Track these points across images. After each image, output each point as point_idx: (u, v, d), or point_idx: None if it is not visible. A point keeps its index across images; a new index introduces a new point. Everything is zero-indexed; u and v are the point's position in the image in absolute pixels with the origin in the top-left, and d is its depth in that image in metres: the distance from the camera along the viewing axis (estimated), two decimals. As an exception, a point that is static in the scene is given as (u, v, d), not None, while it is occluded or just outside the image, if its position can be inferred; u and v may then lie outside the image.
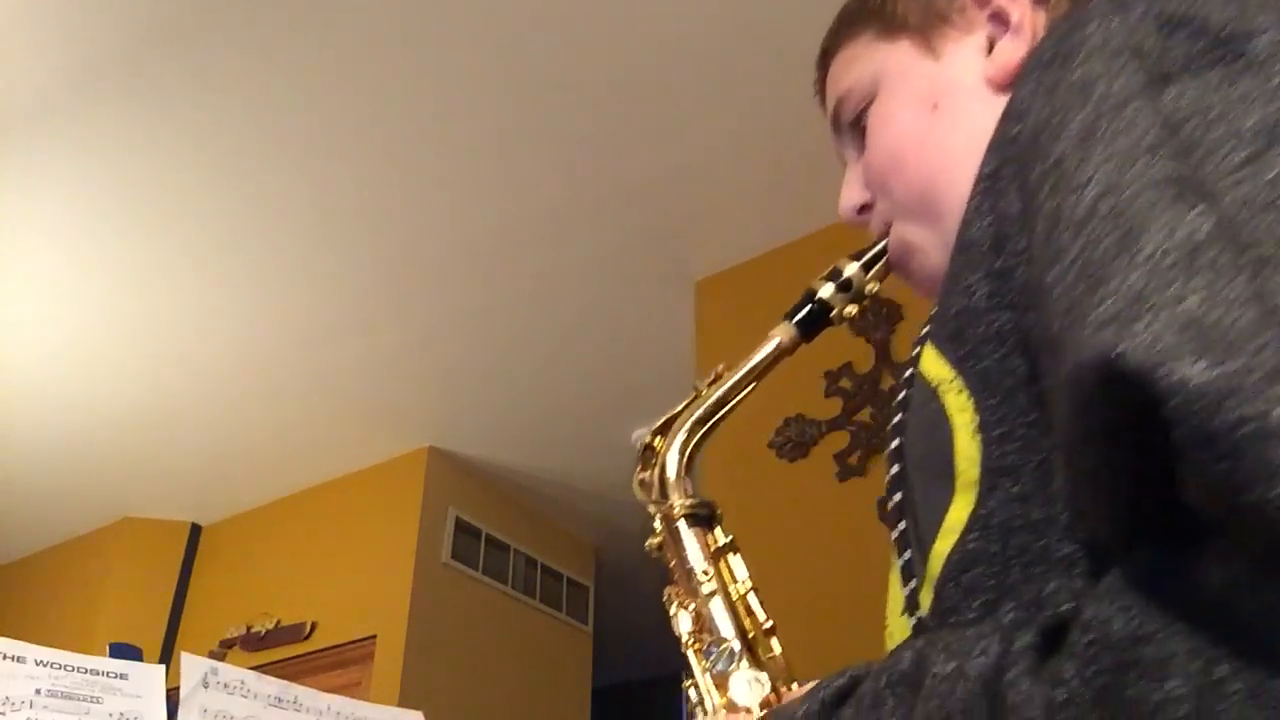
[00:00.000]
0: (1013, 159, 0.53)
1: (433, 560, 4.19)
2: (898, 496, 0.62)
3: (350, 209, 3.22)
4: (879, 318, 2.97)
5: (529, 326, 3.72)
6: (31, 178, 3.09)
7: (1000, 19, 0.70)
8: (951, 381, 0.56)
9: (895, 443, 0.64)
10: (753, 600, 0.74)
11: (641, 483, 0.86)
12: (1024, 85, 0.54)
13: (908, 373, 0.63)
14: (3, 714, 1.12)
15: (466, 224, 3.28)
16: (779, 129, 2.92)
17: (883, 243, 0.78)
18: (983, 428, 0.53)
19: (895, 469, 0.63)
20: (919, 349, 0.62)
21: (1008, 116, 0.55)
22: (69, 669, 1.19)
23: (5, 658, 1.15)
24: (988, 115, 0.64)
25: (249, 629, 4.40)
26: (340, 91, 2.83)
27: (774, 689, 0.68)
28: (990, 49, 0.70)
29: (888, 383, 2.89)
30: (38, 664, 1.18)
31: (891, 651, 0.49)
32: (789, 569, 2.75)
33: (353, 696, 1.48)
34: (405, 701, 3.64)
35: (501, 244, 3.35)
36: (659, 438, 0.86)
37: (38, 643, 1.20)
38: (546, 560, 4.78)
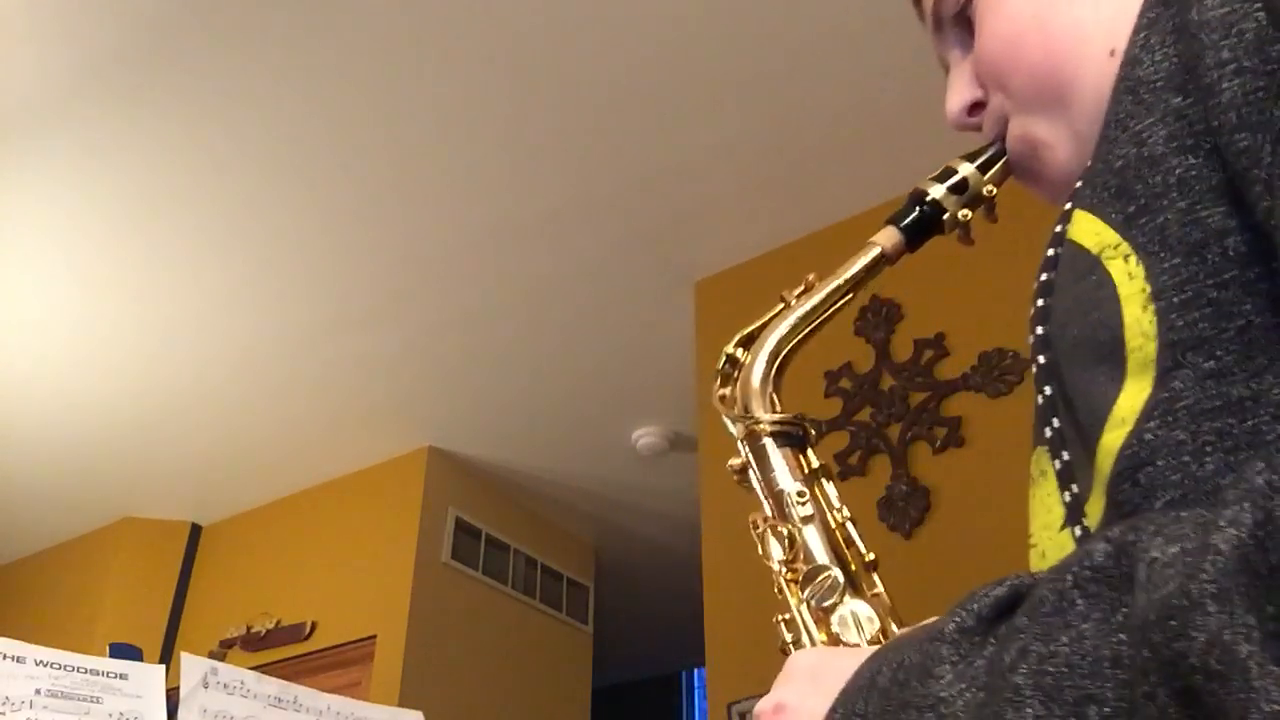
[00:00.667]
0: None
1: (433, 560, 4.19)
2: (1048, 390, 0.53)
3: (350, 209, 3.22)
4: (879, 318, 2.97)
5: (529, 326, 3.72)
6: (31, 178, 3.09)
7: None
8: (1118, 246, 0.49)
9: (1039, 330, 0.54)
10: (852, 530, 0.67)
11: (722, 398, 0.77)
12: None
13: (1050, 251, 0.56)
14: (3, 714, 1.12)
15: (466, 224, 3.28)
16: (779, 129, 2.93)
17: (999, 143, 0.71)
18: (1159, 294, 0.46)
19: (1042, 360, 0.54)
20: (1064, 222, 0.55)
21: None
22: (69, 669, 1.19)
23: (5, 658, 1.15)
24: None
25: (249, 629, 4.40)
26: (340, 92, 2.83)
27: (883, 627, 0.61)
28: None
29: (888, 383, 2.89)
30: (38, 664, 1.18)
31: (1071, 553, 0.42)
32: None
33: (353, 696, 1.48)
34: (405, 701, 3.64)
35: (502, 244, 3.35)
36: (742, 349, 0.78)
37: (38, 643, 1.20)
38: (546, 560, 4.78)
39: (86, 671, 1.20)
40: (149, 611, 4.60)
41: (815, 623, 0.63)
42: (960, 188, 0.74)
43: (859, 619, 0.61)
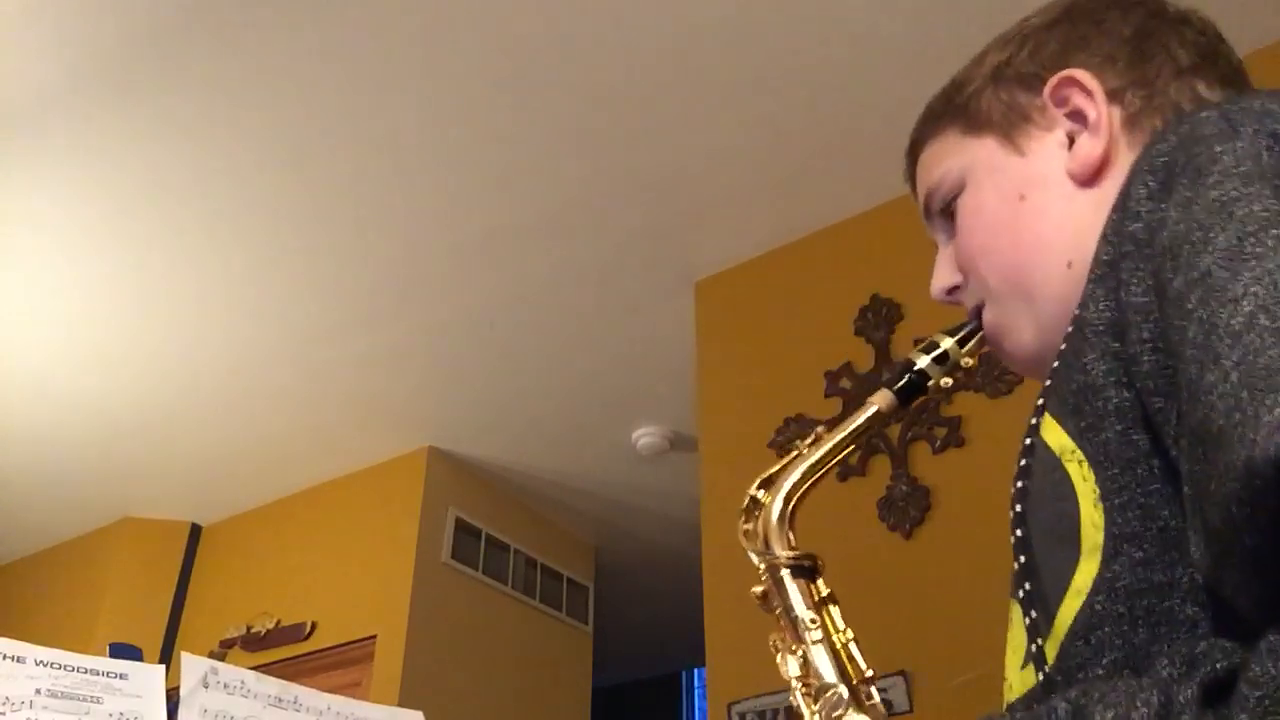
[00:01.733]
0: (1133, 255, 0.58)
1: (433, 560, 4.19)
2: (1022, 559, 0.66)
3: (350, 209, 3.22)
4: (879, 318, 2.97)
5: (529, 326, 3.72)
6: (30, 177, 3.09)
7: (1079, 117, 0.76)
8: (1073, 452, 0.60)
9: (1018, 508, 0.68)
10: (854, 649, 0.79)
11: (746, 533, 0.91)
12: (1139, 185, 0.59)
13: (1028, 440, 0.68)
14: (3, 714, 1.12)
15: (466, 224, 3.28)
16: (779, 129, 2.93)
17: (976, 321, 0.85)
18: (1105, 496, 0.58)
19: (1019, 533, 0.67)
20: (1037, 418, 0.67)
21: (1126, 213, 0.59)
22: (69, 669, 1.19)
23: (5, 658, 1.15)
24: (1071, 205, 0.75)
25: (249, 629, 4.40)
26: (340, 92, 2.83)
27: None
28: (1070, 144, 0.76)
29: (888, 383, 2.89)
30: (38, 664, 1.18)
31: (1042, 704, 0.54)
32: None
33: (353, 696, 1.48)
34: (405, 701, 3.64)
35: (501, 244, 3.35)
36: (763, 491, 0.91)
37: (38, 643, 1.20)
38: (546, 560, 4.78)
39: (86, 671, 1.20)
40: (149, 611, 4.60)
41: None
42: (942, 359, 0.89)
43: None
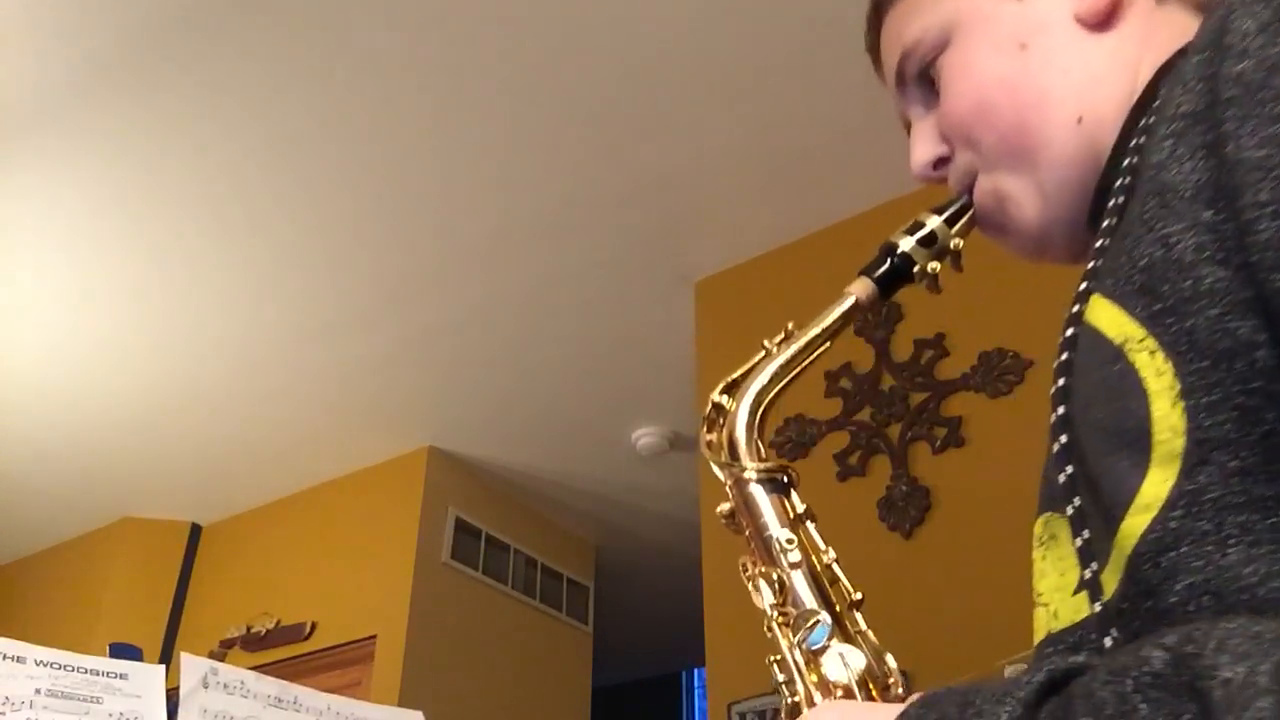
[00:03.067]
0: (1241, 101, 0.49)
1: (433, 560, 4.19)
2: (1070, 469, 0.55)
3: (350, 210, 3.22)
4: (879, 318, 2.97)
5: (529, 326, 3.72)
6: (30, 178, 3.09)
7: None
8: (1142, 341, 0.51)
9: (1061, 410, 0.57)
10: (838, 570, 0.70)
11: (709, 444, 0.81)
12: (1242, 18, 0.50)
13: (1069, 331, 0.58)
14: (3, 714, 1.12)
15: (466, 224, 3.28)
16: (779, 129, 2.93)
17: (966, 197, 0.75)
18: (1188, 393, 0.48)
19: (1064, 439, 0.56)
20: (1081, 303, 0.57)
21: (1226, 52, 0.50)
22: (69, 669, 1.19)
23: (5, 658, 1.15)
24: (1080, 53, 0.65)
25: (249, 629, 4.40)
26: (339, 93, 2.83)
27: (868, 665, 0.64)
28: None
29: (888, 383, 2.89)
30: (38, 664, 1.18)
31: (1124, 649, 0.44)
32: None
33: (353, 696, 1.48)
34: (405, 701, 3.64)
35: (501, 244, 3.35)
36: (726, 396, 0.81)
37: (38, 643, 1.20)
38: (546, 560, 4.78)
39: (86, 671, 1.20)
40: (149, 611, 4.60)
41: (805, 664, 0.66)
42: (929, 240, 0.77)
43: (847, 661, 0.64)
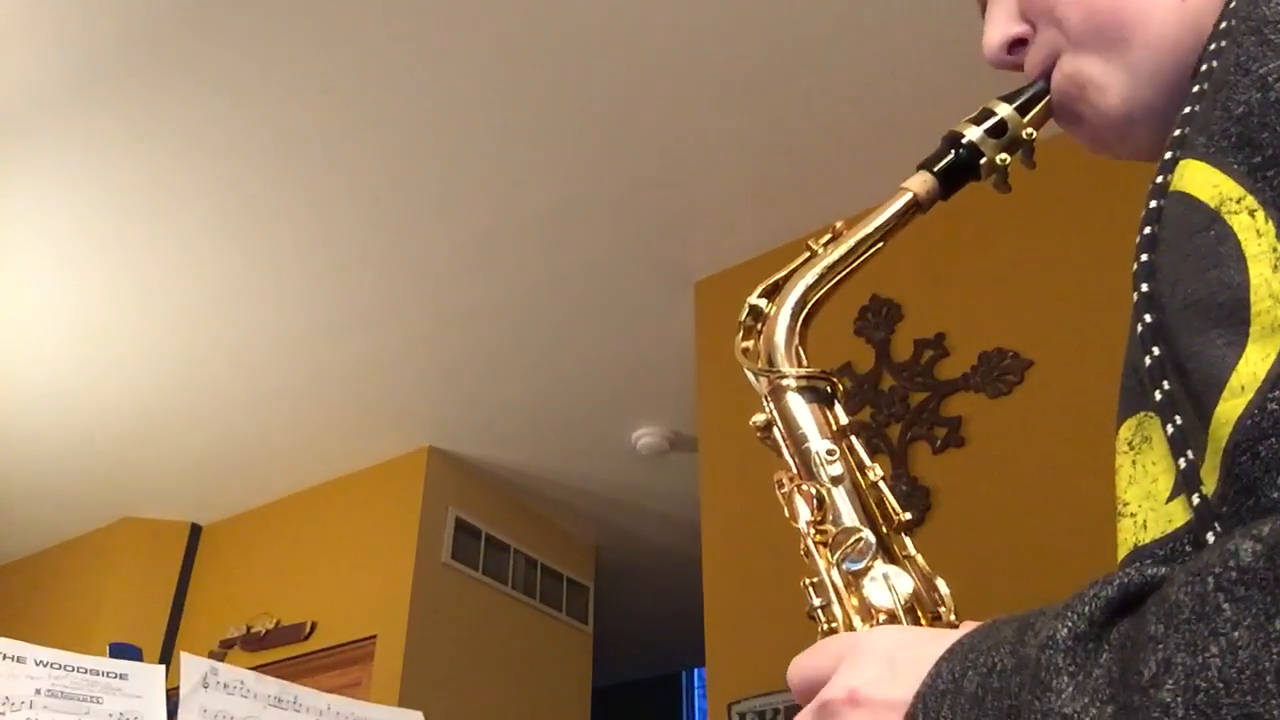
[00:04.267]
0: None
1: (433, 560, 4.19)
2: (1156, 351, 0.49)
3: (350, 210, 3.22)
4: (879, 318, 2.97)
5: (528, 326, 3.72)
6: (30, 178, 3.09)
7: None
8: (1241, 200, 0.45)
9: (1145, 287, 0.50)
10: (884, 489, 0.64)
11: (745, 351, 0.73)
12: None
13: (1153, 203, 0.52)
14: (3, 714, 1.12)
15: (466, 224, 3.28)
16: (779, 129, 2.93)
17: (1043, 81, 0.68)
18: None
19: (1148, 319, 0.49)
20: (1166, 174, 0.52)
21: None
22: (69, 669, 1.19)
23: (5, 658, 1.15)
24: None
25: (249, 629, 4.40)
26: (339, 92, 2.83)
27: (916, 590, 0.59)
28: None
29: (888, 383, 2.89)
30: (38, 664, 1.18)
31: (1209, 548, 0.39)
32: (790, 568, 2.74)
33: (353, 696, 1.48)
34: (405, 701, 3.64)
35: (501, 244, 3.35)
36: (766, 300, 0.75)
37: (38, 643, 1.20)
38: (546, 560, 4.78)
39: (86, 671, 1.20)
40: (149, 611, 4.60)
41: (845, 586, 0.60)
42: (998, 130, 0.69)
43: (892, 584, 0.59)
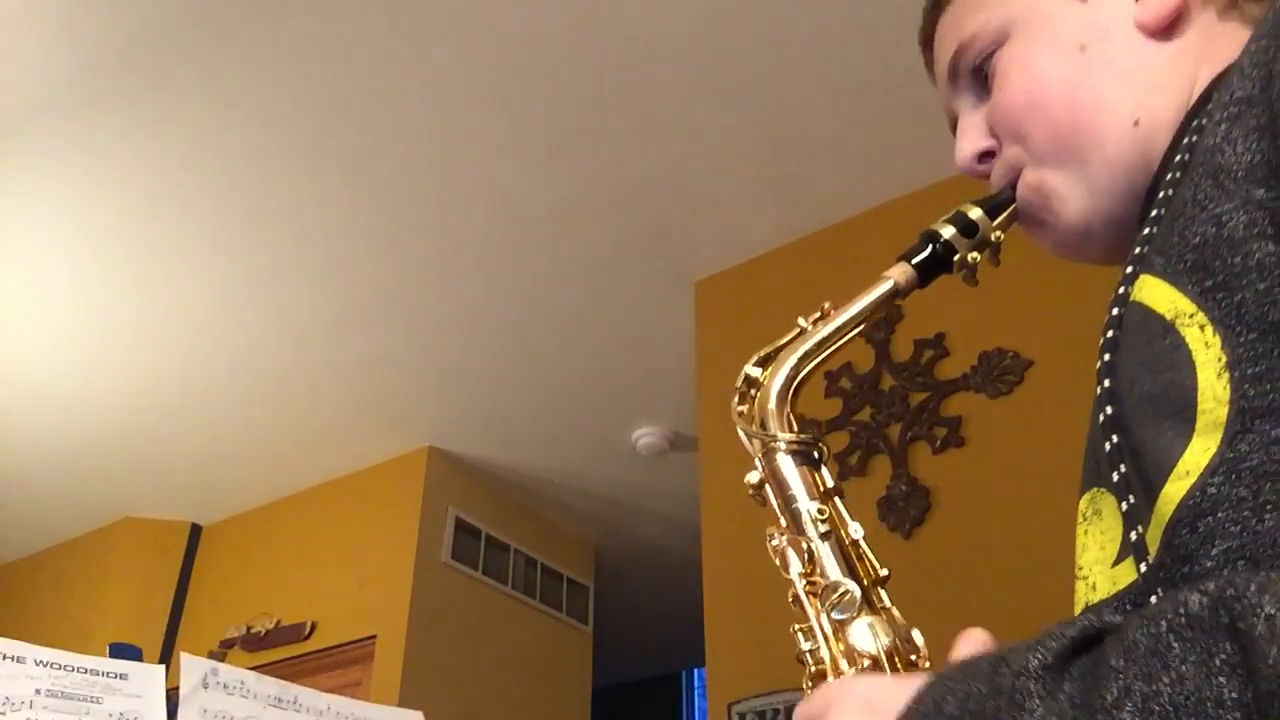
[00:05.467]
0: None
1: (433, 560, 4.19)
2: (1115, 439, 0.57)
3: (350, 209, 3.22)
4: (879, 318, 2.97)
5: (529, 326, 3.72)
6: (31, 177, 3.09)
7: None
8: (1193, 315, 0.53)
9: (1107, 383, 0.58)
10: (864, 546, 0.71)
11: (740, 414, 0.81)
12: None
13: (1115, 310, 0.60)
14: (3, 714, 1.12)
15: (466, 224, 3.28)
16: (779, 129, 2.93)
17: (1009, 191, 0.76)
18: (1234, 364, 0.50)
19: (1109, 411, 0.58)
20: (1127, 285, 0.59)
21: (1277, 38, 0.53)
22: (69, 669, 1.19)
23: (5, 658, 1.15)
24: (1141, 58, 0.67)
25: (249, 629, 4.40)
26: (340, 92, 2.83)
27: (895, 639, 0.66)
28: None
29: (888, 383, 2.89)
30: (38, 664, 1.18)
31: (1162, 599, 0.46)
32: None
33: (353, 696, 1.48)
34: (405, 701, 3.64)
35: (501, 244, 3.35)
36: (761, 370, 0.82)
37: (38, 643, 1.20)
38: (546, 560, 4.78)
39: (86, 671, 1.20)
40: (149, 611, 4.60)
41: (833, 633, 0.67)
42: (970, 231, 0.78)
43: (875, 632, 0.65)
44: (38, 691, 1.15)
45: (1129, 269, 0.60)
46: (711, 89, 2.81)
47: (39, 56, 2.72)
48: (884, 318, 2.93)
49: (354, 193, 3.16)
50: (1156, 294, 0.56)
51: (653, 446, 4.29)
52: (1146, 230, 0.60)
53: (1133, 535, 0.54)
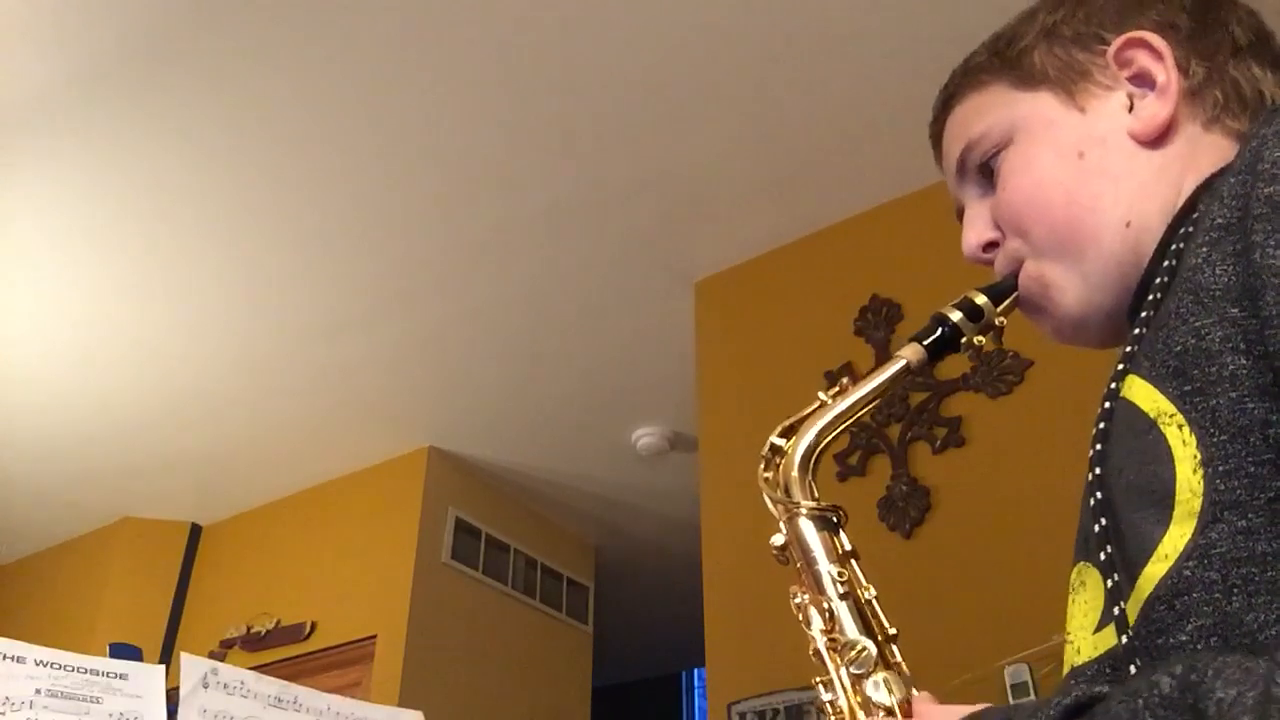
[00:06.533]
0: (1269, 218, 0.57)
1: (433, 560, 4.19)
2: (1104, 521, 0.64)
3: (350, 210, 3.22)
4: (879, 318, 2.97)
5: (529, 326, 3.72)
6: (31, 177, 3.09)
7: (1144, 79, 0.76)
8: (1173, 416, 0.59)
9: (1098, 470, 0.65)
10: (877, 606, 0.77)
11: (766, 480, 0.87)
12: (1274, 148, 0.59)
13: (1107, 404, 0.66)
14: (3, 714, 1.12)
15: (466, 224, 3.28)
16: (779, 129, 2.93)
17: (1010, 280, 0.83)
18: (1208, 462, 0.57)
19: (1099, 496, 0.65)
20: (1118, 381, 0.66)
21: (1258, 176, 0.59)
22: (69, 669, 1.19)
23: (5, 658, 1.15)
24: (1133, 165, 0.75)
25: (249, 629, 4.40)
26: (340, 92, 2.83)
27: (907, 694, 0.72)
28: (1130, 106, 0.76)
29: (888, 383, 2.88)
30: (38, 664, 1.18)
31: (1136, 676, 0.52)
32: (791, 569, 2.74)
33: (353, 696, 1.48)
34: (405, 701, 3.64)
35: (501, 244, 3.35)
36: (785, 440, 0.89)
37: (38, 643, 1.20)
38: (546, 560, 4.78)
39: (86, 671, 1.20)
40: (149, 611, 4.60)
41: (852, 685, 0.73)
42: (976, 316, 0.85)
43: (890, 688, 0.72)
44: (38, 691, 1.15)
45: (1120, 366, 0.66)
46: (712, 90, 2.81)
47: (39, 57, 2.72)
48: (882, 316, 2.93)
49: (355, 193, 3.16)
50: (1142, 393, 0.62)
51: (653, 446, 4.29)
52: (1136, 332, 0.67)
53: (1115, 610, 0.61)
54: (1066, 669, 0.66)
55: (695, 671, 6.38)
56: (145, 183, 3.11)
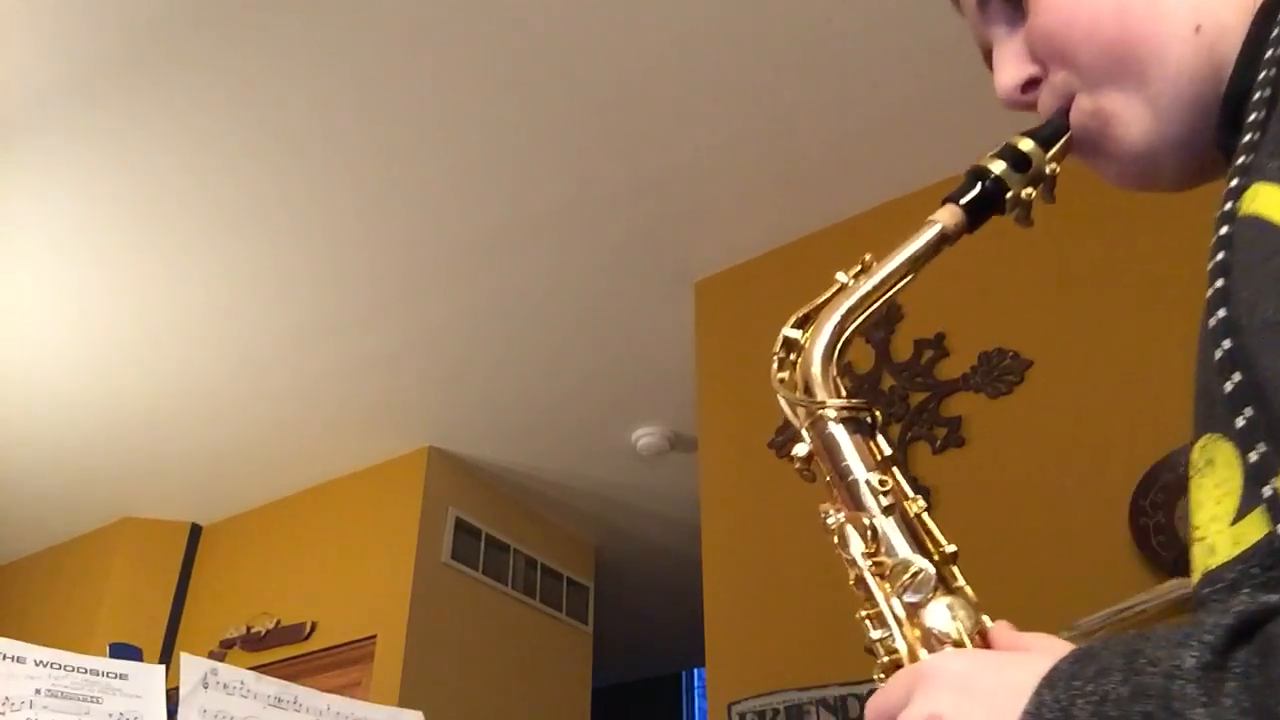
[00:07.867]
0: None
1: (433, 560, 4.19)
2: (1237, 377, 0.48)
3: (350, 209, 3.22)
4: (879, 318, 2.97)
5: (529, 326, 3.72)
6: (31, 178, 3.09)
7: None
8: None
9: (1221, 313, 0.50)
10: (929, 520, 0.63)
11: (781, 381, 0.74)
12: None
13: (1223, 230, 0.52)
14: (3, 714, 1.12)
15: (467, 224, 3.28)
16: (779, 129, 2.93)
17: (1061, 118, 0.69)
18: None
19: (1228, 345, 0.50)
20: (1233, 199, 0.51)
21: None
22: (69, 669, 1.19)
23: (5, 658, 1.15)
24: None
25: (249, 629, 4.40)
26: (341, 91, 2.83)
27: (978, 621, 0.58)
28: None
29: (888, 383, 2.89)
30: (38, 664, 1.18)
31: None
32: (790, 568, 2.74)
33: (353, 696, 1.48)
34: (405, 701, 3.64)
35: (501, 244, 3.35)
36: (800, 331, 0.75)
37: (38, 643, 1.20)
38: (546, 560, 4.78)
39: (86, 671, 1.20)
40: (149, 611, 4.60)
41: (907, 617, 0.60)
42: (1023, 165, 0.70)
43: (956, 614, 0.58)
44: (38, 691, 1.15)
45: (1234, 181, 0.52)
46: (712, 89, 2.81)
47: (39, 56, 2.72)
48: (887, 316, 2.94)
49: (354, 193, 3.16)
50: (1272, 201, 0.48)
51: (653, 446, 4.29)
52: (1247, 137, 0.53)
53: (1267, 490, 0.45)
54: (1197, 575, 0.51)
55: (695, 671, 6.38)
56: (145, 182, 3.11)
